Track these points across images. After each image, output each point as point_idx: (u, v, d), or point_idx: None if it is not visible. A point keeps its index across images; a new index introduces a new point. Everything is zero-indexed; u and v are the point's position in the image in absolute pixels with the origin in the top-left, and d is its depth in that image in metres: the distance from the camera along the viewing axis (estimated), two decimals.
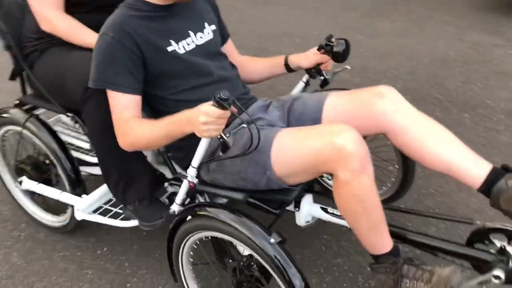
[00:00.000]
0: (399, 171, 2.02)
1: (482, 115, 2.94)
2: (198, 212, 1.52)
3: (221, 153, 1.45)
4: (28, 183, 2.11)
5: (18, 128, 2.04)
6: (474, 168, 1.49)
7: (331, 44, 1.74)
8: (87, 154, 2.15)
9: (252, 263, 1.51)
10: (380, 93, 1.60)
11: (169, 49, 1.60)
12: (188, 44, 1.65)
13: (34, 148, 2.17)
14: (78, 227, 2.21)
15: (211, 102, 1.30)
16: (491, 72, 3.44)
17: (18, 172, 2.16)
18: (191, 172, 1.51)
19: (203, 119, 1.32)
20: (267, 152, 1.48)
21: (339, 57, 1.74)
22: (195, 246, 1.65)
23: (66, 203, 2.03)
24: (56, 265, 2.10)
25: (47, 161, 2.12)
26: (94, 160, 2.04)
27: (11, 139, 2.25)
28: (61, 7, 1.87)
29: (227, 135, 1.37)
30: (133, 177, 1.82)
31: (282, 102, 1.79)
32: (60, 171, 2.00)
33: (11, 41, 1.96)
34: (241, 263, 1.52)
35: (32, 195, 2.27)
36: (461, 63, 3.63)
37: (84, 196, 1.98)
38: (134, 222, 1.88)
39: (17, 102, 2.11)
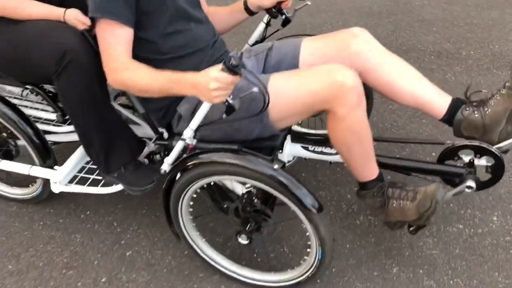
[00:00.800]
0: None
1: (416, 58, 3.22)
2: (196, 162, 1.53)
3: (224, 115, 1.46)
4: None
5: None
6: (439, 101, 1.68)
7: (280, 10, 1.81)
8: (48, 124, 2.04)
9: (253, 197, 1.59)
10: (355, 35, 1.71)
11: None
12: None
13: None
14: (53, 196, 2.15)
15: (219, 67, 1.29)
16: (415, 20, 3.74)
17: None
18: (188, 134, 1.50)
19: (214, 85, 1.30)
20: (262, 98, 1.48)
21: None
22: (191, 203, 1.69)
23: (39, 177, 1.96)
24: (39, 234, 2.04)
25: (4, 134, 2.01)
26: (57, 129, 2.00)
27: None
28: None
29: (234, 99, 1.37)
30: (115, 142, 1.79)
31: (255, 51, 1.83)
32: (26, 144, 1.91)
33: None
34: (243, 200, 1.59)
35: None
36: (386, 15, 3.90)
37: (57, 167, 1.91)
38: (117, 187, 1.85)
39: None
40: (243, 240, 1.63)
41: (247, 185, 1.61)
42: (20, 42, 1.69)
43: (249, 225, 1.61)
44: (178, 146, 1.58)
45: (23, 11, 1.68)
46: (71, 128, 1.97)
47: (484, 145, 1.62)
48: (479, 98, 1.67)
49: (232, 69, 1.27)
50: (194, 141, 1.53)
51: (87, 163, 1.99)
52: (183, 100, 1.65)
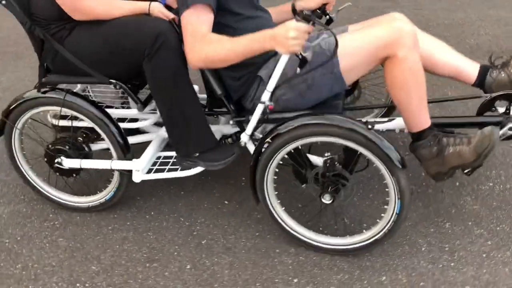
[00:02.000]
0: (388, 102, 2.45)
1: None
2: (292, 127, 1.74)
3: (298, 70, 1.71)
4: (72, 161, 2.11)
5: (56, 108, 2.04)
6: (470, 68, 2.02)
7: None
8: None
9: (335, 162, 1.80)
10: (395, 18, 2.00)
11: None
12: None
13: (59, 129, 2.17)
14: (114, 204, 2.26)
15: (294, 20, 1.56)
16: None
17: (50, 156, 2.13)
18: (267, 96, 1.75)
19: (294, 33, 1.55)
20: (333, 50, 1.70)
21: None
22: (277, 170, 1.88)
23: (119, 169, 2.09)
24: (111, 237, 2.14)
25: (82, 138, 2.15)
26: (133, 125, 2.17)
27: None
28: None
29: (306, 51, 1.63)
30: (198, 123, 1.97)
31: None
32: (107, 140, 2.06)
33: (29, 22, 1.92)
34: (326, 165, 1.79)
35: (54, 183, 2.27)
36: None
37: (134, 160, 2.07)
38: (196, 170, 2.02)
39: (40, 84, 2.06)
40: (326, 200, 1.83)
41: (327, 154, 1.81)
42: (110, 36, 1.88)
43: (331, 187, 1.81)
44: (258, 110, 1.80)
45: (113, 13, 1.88)
46: (143, 123, 2.16)
47: None
48: (501, 62, 2.00)
49: (307, 18, 1.55)
50: (272, 103, 1.75)
51: (158, 158, 2.15)
52: (263, 66, 1.87)
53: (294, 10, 2.09)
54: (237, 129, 2.03)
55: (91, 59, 1.94)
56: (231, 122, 1.97)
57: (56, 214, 2.30)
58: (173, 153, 2.12)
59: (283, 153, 1.81)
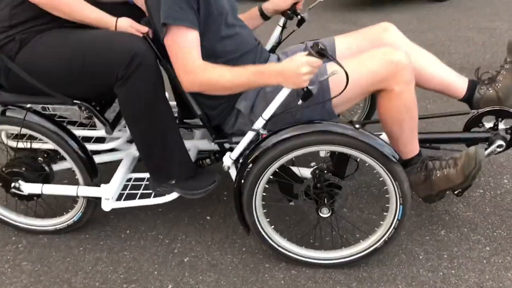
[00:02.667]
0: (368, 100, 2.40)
1: None
2: (278, 140, 1.60)
3: (300, 102, 1.56)
4: (31, 186, 1.91)
5: (15, 128, 1.83)
6: (459, 82, 1.96)
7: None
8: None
9: (324, 171, 1.68)
10: (385, 28, 1.93)
11: None
12: None
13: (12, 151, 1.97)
14: (84, 223, 2.08)
15: (305, 53, 1.44)
16: None
17: (5, 180, 1.91)
18: (260, 124, 1.62)
19: (307, 69, 1.43)
20: (325, 84, 1.65)
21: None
22: (264, 194, 1.74)
23: (87, 196, 1.91)
24: (83, 258, 1.94)
25: (43, 158, 1.95)
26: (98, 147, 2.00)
27: None
28: None
29: (313, 85, 1.51)
30: (176, 148, 1.79)
31: (291, 52, 1.94)
32: (74, 166, 1.87)
33: None
34: (316, 175, 1.66)
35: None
36: None
37: (103, 185, 1.89)
38: (171, 196, 1.85)
39: None
40: (324, 214, 1.70)
41: (313, 164, 1.71)
42: (76, 54, 1.66)
43: (325, 200, 1.68)
44: (248, 137, 1.66)
45: (80, 11, 1.67)
46: (112, 145, 1.98)
47: (505, 108, 1.88)
48: (487, 77, 1.96)
49: (321, 53, 1.41)
50: (266, 131, 1.62)
51: (128, 180, 1.98)
52: (240, 97, 1.73)
53: (262, 14, 2.01)
54: (215, 147, 1.91)
55: (51, 79, 1.71)
56: (211, 144, 1.84)
57: (19, 236, 2.09)
58: (145, 175, 1.96)
59: (270, 171, 1.67)
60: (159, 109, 1.71)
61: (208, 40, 1.66)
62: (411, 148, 1.75)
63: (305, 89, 1.50)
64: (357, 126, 1.58)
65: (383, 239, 1.71)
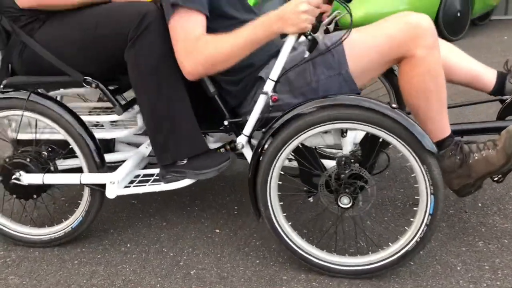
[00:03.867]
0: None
1: None
2: (299, 112, 1.47)
3: (307, 53, 1.50)
4: (32, 177, 1.75)
5: (17, 112, 1.73)
6: (488, 74, 1.83)
7: None
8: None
9: (352, 159, 1.52)
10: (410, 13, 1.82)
11: None
12: None
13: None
14: (81, 236, 1.89)
15: None
16: None
17: (6, 172, 1.77)
18: (270, 86, 1.51)
19: (305, 7, 1.37)
20: (340, 49, 1.54)
21: None
22: (279, 181, 1.58)
23: (91, 184, 1.74)
24: (77, 272, 1.73)
25: (48, 151, 1.82)
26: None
27: None
28: None
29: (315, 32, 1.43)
30: (186, 125, 1.66)
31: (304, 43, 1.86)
32: (77, 150, 1.73)
33: None
34: (341, 163, 1.51)
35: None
36: None
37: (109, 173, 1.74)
38: (183, 182, 1.69)
39: (4, 84, 1.75)
40: (344, 204, 1.52)
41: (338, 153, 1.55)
42: (88, 22, 1.64)
43: (348, 189, 1.51)
44: (260, 102, 1.54)
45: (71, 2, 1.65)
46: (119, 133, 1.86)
47: None
48: None
49: None
50: (276, 94, 1.50)
51: (136, 177, 1.81)
52: (263, 68, 1.64)
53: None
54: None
55: (64, 51, 1.68)
56: (225, 123, 1.68)
57: (8, 251, 1.88)
58: (155, 171, 1.80)
59: (290, 148, 1.52)
60: (167, 73, 1.61)
61: (223, 23, 1.58)
62: (441, 127, 1.58)
63: (309, 36, 1.42)
64: (393, 105, 1.42)
65: (414, 239, 1.50)
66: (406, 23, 1.50)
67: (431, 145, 1.41)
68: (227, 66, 1.53)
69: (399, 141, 1.43)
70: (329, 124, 1.46)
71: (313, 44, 1.47)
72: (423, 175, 1.44)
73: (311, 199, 1.62)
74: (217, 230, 1.93)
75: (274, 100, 1.51)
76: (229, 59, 1.51)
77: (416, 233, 1.50)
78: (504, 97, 1.81)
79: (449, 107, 1.70)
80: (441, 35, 5.02)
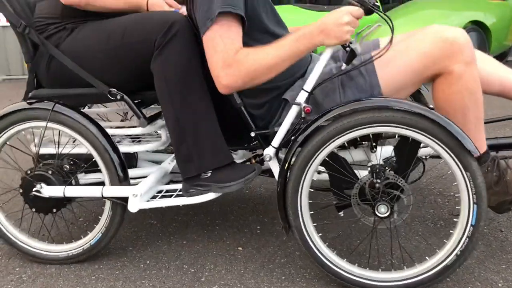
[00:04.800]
0: None
1: None
2: (335, 114, 1.42)
3: (344, 65, 1.45)
4: (53, 189, 1.71)
5: (41, 123, 1.71)
6: None
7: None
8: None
9: (387, 167, 1.47)
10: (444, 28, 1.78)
11: None
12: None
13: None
14: (99, 254, 1.83)
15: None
16: None
17: (28, 185, 1.74)
18: (303, 97, 1.47)
19: (348, 18, 1.34)
20: (371, 71, 1.50)
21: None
22: (311, 190, 1.52)
23: (113, 197, 1.69)
24: (95, 287, 1.65)
25: (71, 164, 1.79)
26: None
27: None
28: None
29: (352, 42, 1.40)
30: (212, 135, 1.62)
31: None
32: (100, 163, 1.70)
33: (23, 24, 1.69)
34: (375, 171, 1.45)
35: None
36: None
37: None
38: (207, 196, 1.62)
39: (28, 97, 1.75)
40: (381, 212, 1.43)
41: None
42: (116, 30, 1.63)
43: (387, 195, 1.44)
44: (292, 113, 1.50)
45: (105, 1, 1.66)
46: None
47: None
48: None
49: (365, 3, 1.34)
50: (308, 105, 1.45)
51: (159, 192, 1.75)
52: (288, 90, 1.60)
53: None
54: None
55: (91, 61, 1.67)
56: (252, 134, 1.62)
57: (24, 267, 1.81)
58: (178, 186, 1.75)
59: (323, 154, 1.45)
60: (194, 84, 1.58)
61: (257, 34, 1.54)
62: (479, 143, 1.50)
63: (347, 48, 1.39)
64: (431, 106, 1.37)
65: (454, 252, 1.41)
66: (441, 39, 1.44)
67: (473, 147, 1.34)
68: (266, 79, 1.47)
69: (438, 144, 1.36)
70: (362, 128, 1.40)
71: (351, 56, 1.42)
72: (466, 183, 1.36)
73: (341, 213, 1.54)
74: (240, 248, 1.85)
75: (307, 111, 1.46)
76: (269, 72, 1.44)
77: (457, 245, 1.41)
78: None
79: (485, 122, 1.64)
80: None
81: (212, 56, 1.46)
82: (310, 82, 1.46)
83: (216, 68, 1.45)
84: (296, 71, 1.62)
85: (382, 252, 1.73)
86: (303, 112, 1.47)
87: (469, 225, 1.38)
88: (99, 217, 1.77)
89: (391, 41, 1.41)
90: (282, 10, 6.05)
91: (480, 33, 5.21)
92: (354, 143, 1.62)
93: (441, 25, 1.52)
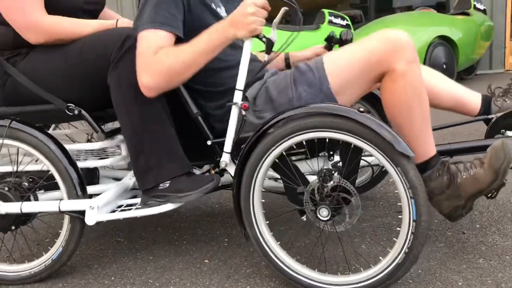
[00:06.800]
0: None
1: None
2: (277, 120, 1.46)
3: (266, 55, 1.51)
4: (10, 206, 1.69)
5: None
6: (472, 97, 1.84)
7: (340, 35, 1.92)
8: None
9: (334, 171, 1.50)
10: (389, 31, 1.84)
11: (213, 6, 1.66)
12: (224, 12, 1.72)
13: None
14: (62, 272, 1.81)
15: None
16: None
17: None
18: (238, 97, 1.52)
19: (252, 9, 1.41)
20: (320, 66, 1.56)
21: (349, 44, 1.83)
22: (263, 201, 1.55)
23: (70, 211, 1.68)
24: None
25: (30, 181, 1.77)
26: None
27: None
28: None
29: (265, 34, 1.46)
30: (170, 145, 1.64)
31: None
32: (56, 175, 1.69)
33: None
34: (322, 175, 1.48)
35: None
36: None
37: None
38: (165, 207, 1.62)
39: None
40: (322, 216, 1.47)
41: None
42: (71, 49, 1.66)
43: (332, 201, 1.47)
44: (233, 114, 1.54)
45: (79, 30, 1.68)
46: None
47: None
48: (501, 90, 1.85)
49: None
50: (246, 102, 1.51)
51: (118, 207, 1.75)
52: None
53: (287, 61, 2.00)
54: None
55: (48, 79, 1.68)
56: (208, 143, 1.65)
57: None
58: (137, 200, 1.75)
59: (268, 161, 1.49)
60: (149, 104, 1.59)
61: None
62: (426, 147, 1.55)
63: (263, 38, 1.46)
64: (361, 109, 1.41)
65: (403, 250, 1.41)
66: (385, 37, 1.51)
67: (405, 148, 1.36)
68: (186, 77, 1.52)
69: (369, 145, 1.40)
70: (300, 134, 1.44)
71: (269, 45, 1.48)
72: (399, 178, 1.39)
73: (304, 218, 1.56)
74: (206, 261, 1.84)
75: (245, 107, 1.51)
76: (188, 68, 1.49)
77: (404, 242, 1.42)
78: (490, 116, 1.81)
79: (434, 129, 1.69)
80: None
81: (137, 59, 1.52)
82: (240, 80, 1.51)
83: (139, 70, 1.52)
84: (252, 71, 1.63)
85: (340, 256, 1.74)
86: (242, 110, 1.52)
87: (411, 220, 1.40)
88: (59, 230, 1.75)
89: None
90: None
91: (447, 47, 5.35)
92: (311, 153, 1.64)
93: (386, 29, 1.59)
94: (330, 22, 6.30)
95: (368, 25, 5.81)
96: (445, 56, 5.26)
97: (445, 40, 5.38)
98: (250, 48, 1.49)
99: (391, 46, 1.49)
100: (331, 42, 1.92)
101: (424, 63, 5.11)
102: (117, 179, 2.02)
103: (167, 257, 1.90)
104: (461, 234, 1.87)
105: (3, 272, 1.79)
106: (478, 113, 1.82)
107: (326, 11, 6.37)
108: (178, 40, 1.55)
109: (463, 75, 6.11)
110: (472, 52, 5.79)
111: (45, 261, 1.75)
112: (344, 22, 6.54)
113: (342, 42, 1.88)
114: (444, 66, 5.24)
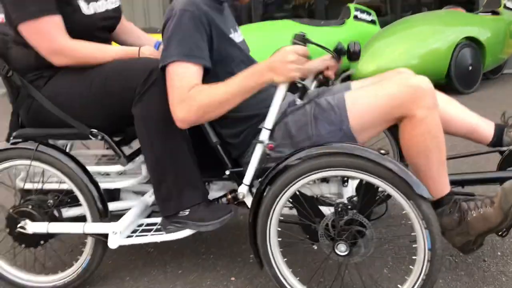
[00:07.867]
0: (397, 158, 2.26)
1: None
2: (298, 158, 1.51)
3: (298, 100, 1.55)
4: (37, 225, 1.79)
5: (25, 161, 1.78)
6: (485, 126, 1.87)
7: (348, 47, 1.97)
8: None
9: (350, 206, 1.54)
10: (400, 72, 1.85)
11: (231, 36, 1.71)
12: (238, 37, 1.78)
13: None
14: (99, 284, 1.90)
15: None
16: None
17: (12, 221, 1.81)
18: (265, 135, 1.56)
19: (292, 57, 1.44)
20: (341, 106, 1.60)
21: (357, 56, 1.84)
22: (279, 229, 1.62)
23: (94, 234, 1.78)
24: None
25: (55, 199, 1.85)
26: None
27: None
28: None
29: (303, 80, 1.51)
30: (190, 175, 1.71)
31: (307, 96, 1.89)
32: (82, 200, 1.78)
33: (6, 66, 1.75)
34: (338, 209, 1.53)
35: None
36: None
37: (112, 223, 1.76)
38: (184, 233, 1.72)
39: (11, 136, 1.82)
40: (341, 251, 1.53)
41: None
42: (96, 77, 1.70)
43: (346, 235, 1.53)
44: (257, 152, 1.59)
45: (102, 56, 1.72)
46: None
47: None
48: None
49: (304, 39, 1.46)
50: (272, 142, 1.56)
51: (139, 226, 1.85)
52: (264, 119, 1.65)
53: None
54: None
55: (71, 105, 1.73)
56: (227, 172, 1.72)
57: None
58: (157, 220, 1.84)
59: (286, 196, 1.56)
60: (174, 127, 1.62)
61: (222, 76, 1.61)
62: (441, 186, 1.60)
63: (299, 84, 1.49)
64: (382, 151, 1.46)
65: (420, 277, 1.49)
66: (406, 84, 1.55)
67: (424, 190, 1.43)
68: (219, 114, 1.57)
69: (388, 185, 1.46)
70: (319, 172, 1.50)
71: (303, 92, 1.52)
72: (412, 210, 1.46)
73: (315, 247, 1.62)
74: (233, 278, 1.92)
75: (270, 148, 1.56)
76: (221, 107, 1.55)
77: (421, 271, 1.49)
78: (503, 148, 1.83)
79: (448, 158, 1.72)
80: (453, 88, 5.14)
81: (170, 92, 1.57)
82: (269, 120, 1.56)
83: (173, 103, 1.56)
84: (270, 102, 1.65)
85: (360, 286, 1.80)
86: (266, 149, 1.57)
87: (426, 249, 1.46)
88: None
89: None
90: (280, 26, 6.17)
91: (474, 48, 5.28)
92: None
93: (407, 73, 1.66)
94: (356, 17, 6.27)
95: (394, 24, 5.72)
96: (471, 58, 5.19)
97: (472, 41, 5.31)
98: (285, 92, 1.52)
99: (412, 93, 1.53)
100: (339, 54, 1.95)
101: (450, 64, 5.06)
102: (138, 192, 2.10)
103: (195, 272, 1.99)
104: (482, 261, 1.91)
105: (30, 283, 1.90)
106: (490, 142, 1.86)
107: (352, 5, 6.32)
108: (206, 71, 1.60)
109: (489, 75, 6.03)
110: (500, 52, 5.70)
111: (70, 275, 1.85)
112: (369, 18, 6.50)
113: (350, 54, 1.90)
114: (470, 68, 5.18)
